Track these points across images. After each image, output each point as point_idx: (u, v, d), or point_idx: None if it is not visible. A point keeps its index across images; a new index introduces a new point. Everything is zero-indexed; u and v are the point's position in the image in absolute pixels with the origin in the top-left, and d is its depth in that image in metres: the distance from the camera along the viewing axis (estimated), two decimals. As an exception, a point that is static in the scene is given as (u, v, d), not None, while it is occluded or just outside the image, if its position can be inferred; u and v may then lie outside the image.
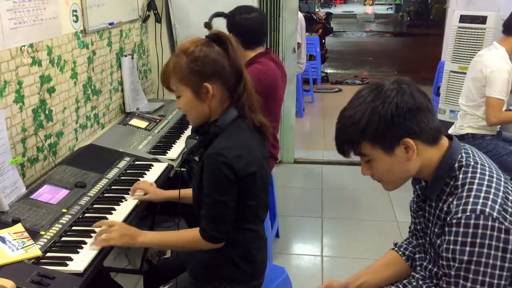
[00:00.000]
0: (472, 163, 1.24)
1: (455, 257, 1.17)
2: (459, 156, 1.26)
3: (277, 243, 3.11)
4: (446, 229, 1.18)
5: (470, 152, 1.28)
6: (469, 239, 1.14)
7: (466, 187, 1.21)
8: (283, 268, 2.05)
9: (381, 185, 1.35)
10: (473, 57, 3.12)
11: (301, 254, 3.07)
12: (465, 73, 3.18)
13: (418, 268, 1.48)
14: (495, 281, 1.15)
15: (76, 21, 2.46)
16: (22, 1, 2.00)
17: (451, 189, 1.25)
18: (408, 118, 1.20)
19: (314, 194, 3.66)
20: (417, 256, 1.50)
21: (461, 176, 1.23)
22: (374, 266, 1.60)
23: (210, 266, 1.67)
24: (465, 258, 1.15)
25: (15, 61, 1.98)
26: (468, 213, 1.15)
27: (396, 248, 1.60)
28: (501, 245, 1.13)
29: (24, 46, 2.03)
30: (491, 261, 1.14)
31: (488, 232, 1.13)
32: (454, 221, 1.16)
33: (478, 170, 1.23)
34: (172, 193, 1.96)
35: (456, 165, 1.25)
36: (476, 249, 1.14)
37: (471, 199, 1.17)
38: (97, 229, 1.70)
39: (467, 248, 1.15)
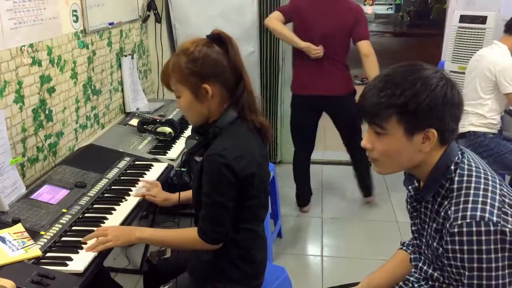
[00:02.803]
0: (467, 165, 1.24)
1: (464, 265, 1.16)
2: (456, 158, 1.25)
3: (278, 243, 3.11)
4: (449, 238, 1.17)
5: (465, 153, 1.28)
6: (475, 247, 1.14)
7: (463, 191, 1.20)
8: (283, 268, 2.04)
9: (373, 165, 1.31)
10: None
11: (301, 254, 3.07)
12: (465, 73, 3.18)
13: (413, 270, 1.47)
14: (505, 281, 1.15)
15: (76, 21, 2.46)
16: (22, 1, 2.00)
17: (447, 192, 1.24)
18: (447, 111, 1.18)
19: (314, 194, 3.66)
20: (412, 256, 1.48)
21: (456, 178, 1.22)
22: (387, 266, 1.59)
23: (210, 266, 1.67)
24: (475, 265, 1.15)
25: (15, 61, 1.98)
26: (468, 220, 1.14)
27: (404, 248, 1.59)
28: (507, 246, 1.14)
29: (24, 46, 2.03)
30: (500, 264, 1.14)
31: (492, 237, 1.13)
32: (456, 229, 1.16)
33: (474, 173, 1.22)
34: (177, 198, 1.93)
35: (452, 167, 1.24)
36: (484, 256, 1.14)
37: (469, 205, 1.17)
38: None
39: (475, 256, 1.14)
